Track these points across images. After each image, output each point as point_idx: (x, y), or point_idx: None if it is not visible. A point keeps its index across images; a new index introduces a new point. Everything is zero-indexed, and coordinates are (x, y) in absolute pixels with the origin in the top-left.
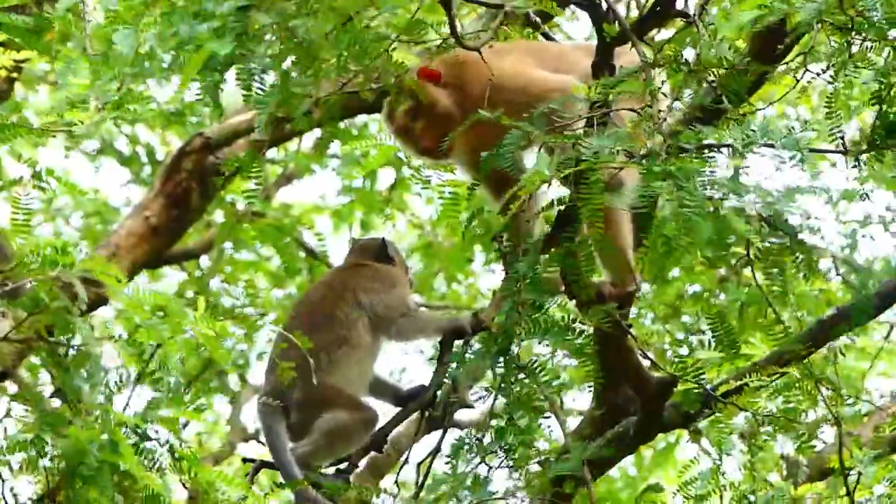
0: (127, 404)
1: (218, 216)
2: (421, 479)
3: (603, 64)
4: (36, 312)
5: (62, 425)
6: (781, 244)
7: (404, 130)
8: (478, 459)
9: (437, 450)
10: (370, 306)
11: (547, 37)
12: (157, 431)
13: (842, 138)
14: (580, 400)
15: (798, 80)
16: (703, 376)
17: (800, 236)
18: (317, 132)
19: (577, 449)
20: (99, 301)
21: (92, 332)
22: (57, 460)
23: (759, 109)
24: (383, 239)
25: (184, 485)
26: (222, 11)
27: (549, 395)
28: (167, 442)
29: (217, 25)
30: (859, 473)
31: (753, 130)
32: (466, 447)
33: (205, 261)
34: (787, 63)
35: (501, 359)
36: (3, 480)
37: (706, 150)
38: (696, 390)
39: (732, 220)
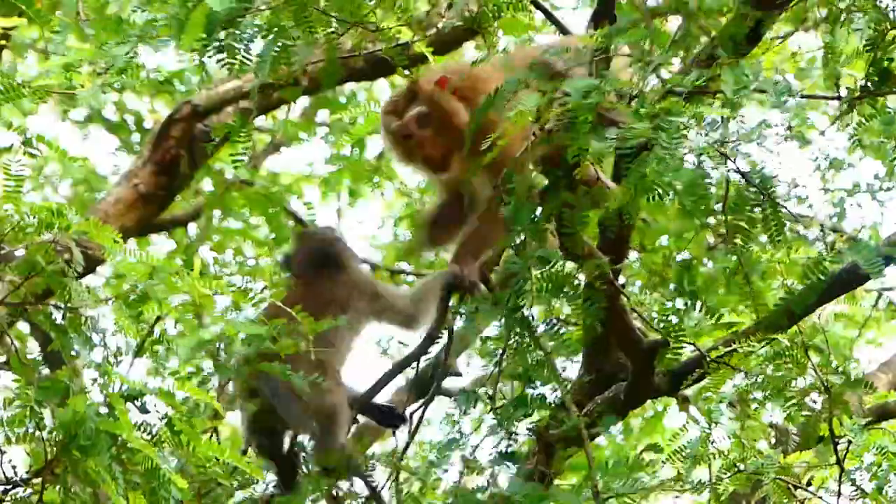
0: (124, 376)
1: (206, 184)
2: (407, 441)
3: (604, 13)
4: (32, 275)
5: (59, 390)
6: (757, 207)
7: (408, 135)
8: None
9: (423, 413)
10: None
11: (538, 6)
12: (155, 405)
13: (836, 86)
14: (568, 370)
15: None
16: (692, 341)
17: (785, 204)
18: (305, 100)
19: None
20: (88, 268)
21: (88, 294)
22: (56, 431)
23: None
24: (333, 231)
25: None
26: None
27: (549, 357)
28: (165, 415)
29: None
30: (849, 441)
31: (746, 75)
32: (474, 401)
33: (192, 229)
34: (787, 8)
35: (513, 317)
36: (2, 453)
37: (698, 96)
38: (687, 352)
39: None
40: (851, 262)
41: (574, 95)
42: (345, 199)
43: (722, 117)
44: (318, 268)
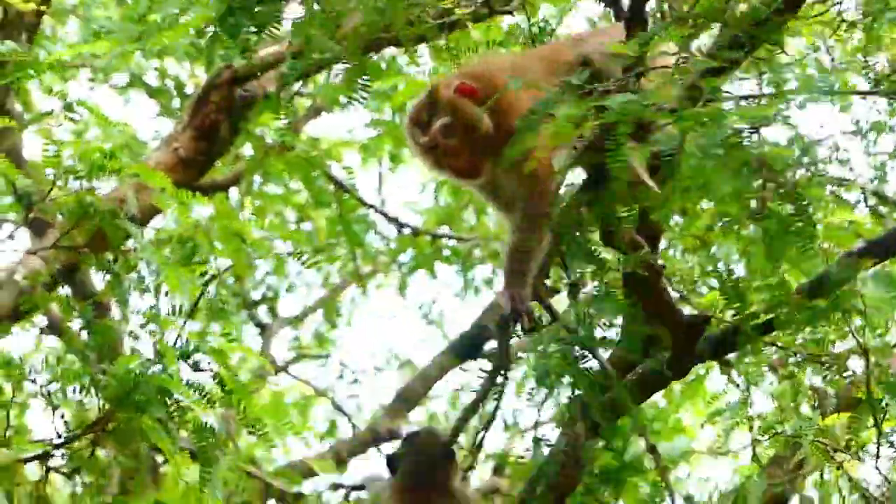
0: (178, 335)
1: (246, 149)
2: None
3: (636, 19)
4: (84, 220)
5: (109, 337)
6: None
7: (435, 146)
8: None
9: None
10: None
11: None
12: (209, 363)
13: (878, 76)
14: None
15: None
16: (734, 314)
17: (828, 168)
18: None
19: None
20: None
21: (142, 236)
22: (106, 390)
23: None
24: (446, 441)
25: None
26: None
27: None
28: (216, 374)
29: None
30: (887, 404)
31: (787, 76)
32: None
33: (233, 193)
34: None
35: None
36: (54, 408)
37: (740, 100)
38: (729, 328)
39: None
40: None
41: (614, 110)
42: (386, 165)
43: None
44: (422, 478)
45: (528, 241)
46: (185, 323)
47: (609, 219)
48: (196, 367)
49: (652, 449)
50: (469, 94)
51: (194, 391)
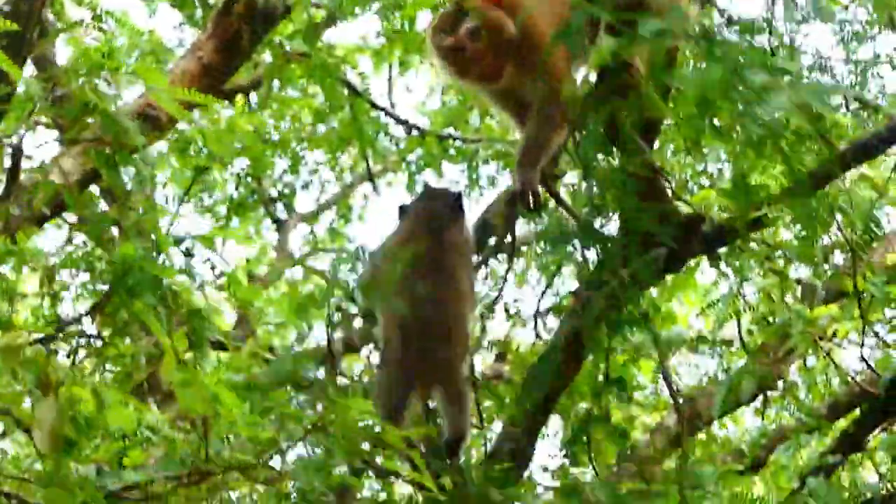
0: (171, 224)
1: (266, 56)
2: None
3: None
4: (84, 115)
5: (108, 224)
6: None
7: (461, 49)
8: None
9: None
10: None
11: None
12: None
13: None
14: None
15: None
16: (727, 214)
17: (812, 74)
18: None
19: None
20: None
21: (137, 130)
22: (104, 276)
23: None
24: (460, 194)
25: (232, 305)
26: None
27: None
28: (208, 259)
29: None
30: (872, 296)
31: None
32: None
33: (253, 98)
34: None
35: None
36: (59, 298)
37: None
38: (722, 226)
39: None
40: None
41: (648, 35)
42: (395, 70)
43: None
44: (425, 225)
45: (543, 131)
46: (177, 210)
47: (614, 119)
48: (188, 254)
49: (655, 339)
50: (495, 2)
51: (187, 277)
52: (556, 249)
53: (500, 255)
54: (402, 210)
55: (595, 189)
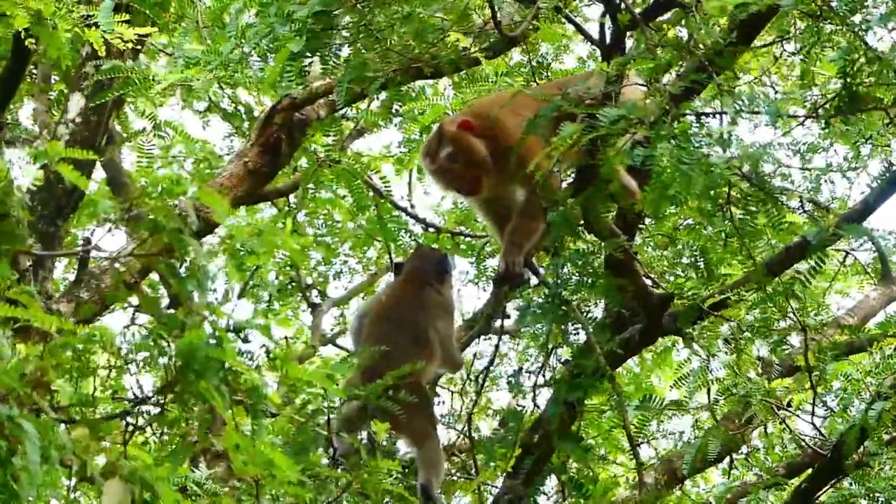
0: (231, 314)
1: (302, 162)
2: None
3: (615, 47)
4: (155, 233)
5: (176, 326)
6: (756, 191)
7: (443, 171)
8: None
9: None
10: (440, 333)
11: (569, 20)
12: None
13: (814, 105)
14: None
15: (776, 58)
16: (694, 294)
17: (772, 181)
18: (384, 95)
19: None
20: (207, 230)
21: (201, 249)
22: (174, 359)
23: (740, 79)
24: (446, 255)
25: (278, 382)
26: (302, 15)
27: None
28: (263, 345)
29: (298, 27)
30: (822, 371)
31: (743, 100)
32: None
33: (292, 199)
34: (766, 46)
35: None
36: (132, 373)
37: (704, 117)
38: (689, 304)
39: (720, 169)
40: (823, 227)
41: (605, 122)
42: (414, 175)
43: (728, 132)
44: (415, 275)
45: (526, 223)
46: (235, 306)
47: (592, 211)
48: (245, 340)
49: (617, 395)
50: (469, 129)
51: (244, 358)
52: (522, 320)
53: (491, 331)
54: (398, 267)
55: (565, 267)
